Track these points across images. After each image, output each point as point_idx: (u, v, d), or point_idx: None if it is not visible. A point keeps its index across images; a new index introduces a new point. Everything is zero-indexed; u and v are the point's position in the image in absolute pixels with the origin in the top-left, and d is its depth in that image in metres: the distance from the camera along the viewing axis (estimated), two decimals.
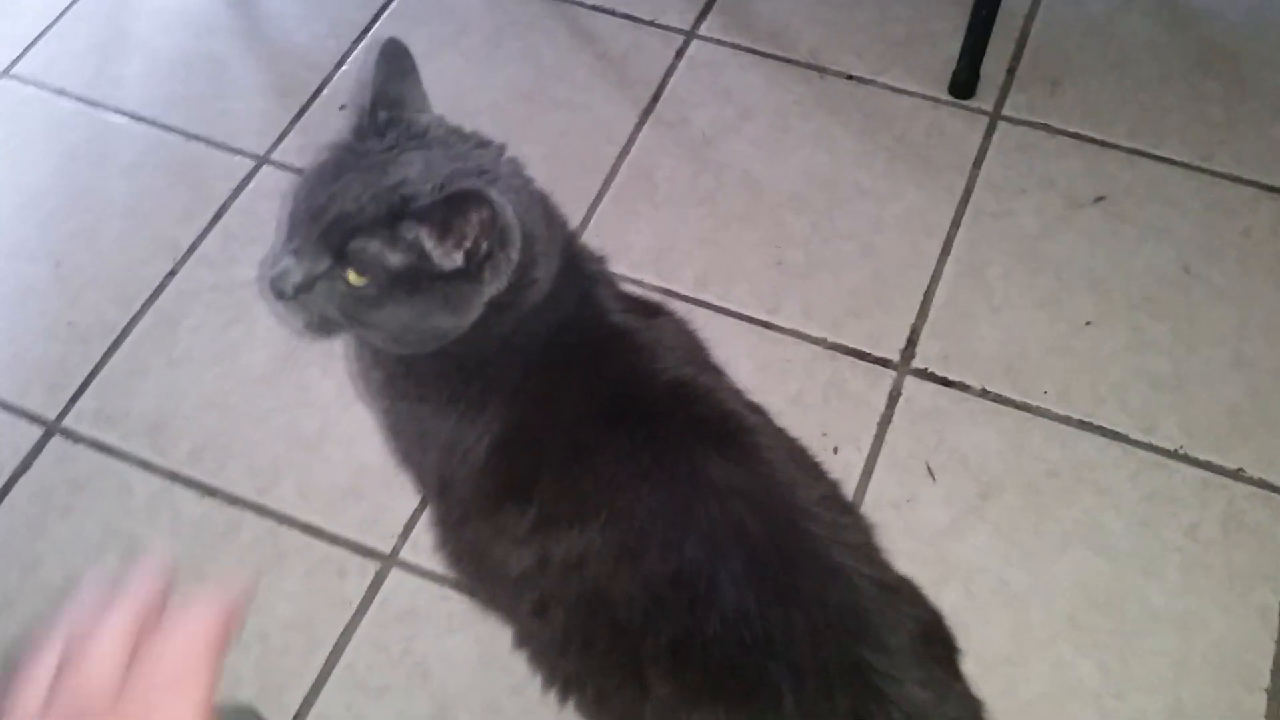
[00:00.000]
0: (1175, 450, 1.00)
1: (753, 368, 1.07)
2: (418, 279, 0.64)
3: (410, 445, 0.77)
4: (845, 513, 0.69)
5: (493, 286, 0.65)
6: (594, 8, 1.36)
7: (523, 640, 0.75)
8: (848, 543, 0.64)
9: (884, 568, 0.67)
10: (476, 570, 0.76)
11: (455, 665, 0.91)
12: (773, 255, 1.15)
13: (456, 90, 1.28)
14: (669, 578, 0.62)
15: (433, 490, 0.76)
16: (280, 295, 0.66)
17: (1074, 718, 0.86)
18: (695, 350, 0.74)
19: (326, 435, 1.04)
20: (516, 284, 0.66)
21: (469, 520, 0.71)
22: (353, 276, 0.64)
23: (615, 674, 0.65)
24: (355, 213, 0.63)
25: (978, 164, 1.22)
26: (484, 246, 0.63)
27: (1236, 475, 0.98)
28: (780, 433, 0.71)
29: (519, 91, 1.30)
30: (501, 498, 0.67)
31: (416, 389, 0.72)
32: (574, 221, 0.94)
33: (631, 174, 1.22)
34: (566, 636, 0.67)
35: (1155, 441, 1.00)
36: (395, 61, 0.68)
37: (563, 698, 0.72)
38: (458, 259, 0.63)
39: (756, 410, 0.71)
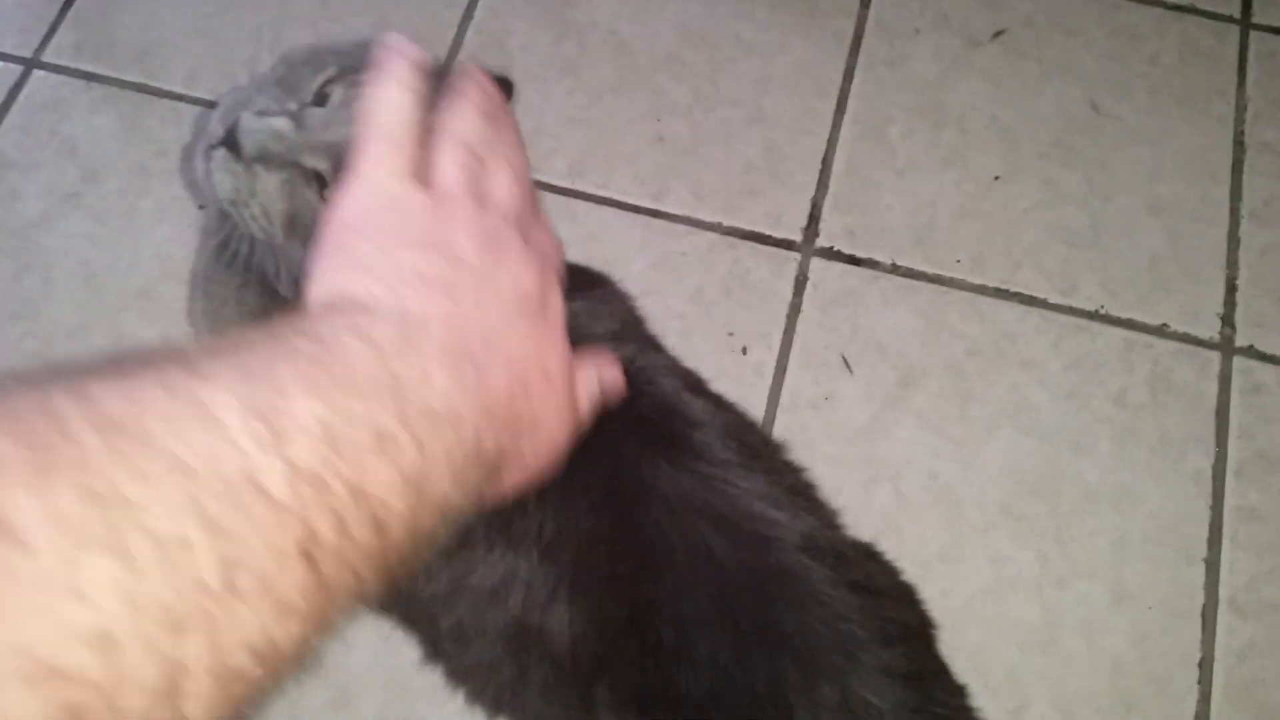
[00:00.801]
0: (1096, 311, 0.94)
1: (645, 264, 0.96)
2: None
3: None
4: (812, 506, 0.60)
5: None
6: None
7: (435, 657, 0.65)
8: (822, 548, 0.55)
9: (859, 564, 0.59)
10: None
11: (352, 646, 0.81)
12: (653, 130, 1.02)
13: None
14: (623, 621, 0.52)
15: None
16: (232, 144, 0.52)
17: (1016, 611, 0.82)
18: (630, 324, 0.64)
19: None
20: None
21: None
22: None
23: (561, 709, 0.56)
24: None
25: (865, 3, 1.09)
26: None
27: (1161, 331, 0.93)
28: (726, 412, 0.61)
29: None
30: None
31: None
32: None
33: (481, 44, 1.06)
34: (493, 665, 0.58)
35: (1075, 304, 0.94)
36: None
37: (494, 712, 0.63)
38: None
39: (697, 389, 0.61)
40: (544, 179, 0.99)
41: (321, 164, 0.52)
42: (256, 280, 0.61)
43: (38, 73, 1.02)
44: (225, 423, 0.25)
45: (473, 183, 0.38)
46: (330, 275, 0.35)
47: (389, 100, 0.38)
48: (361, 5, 1.08)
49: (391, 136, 0.37)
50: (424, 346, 0.32)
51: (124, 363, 0.26)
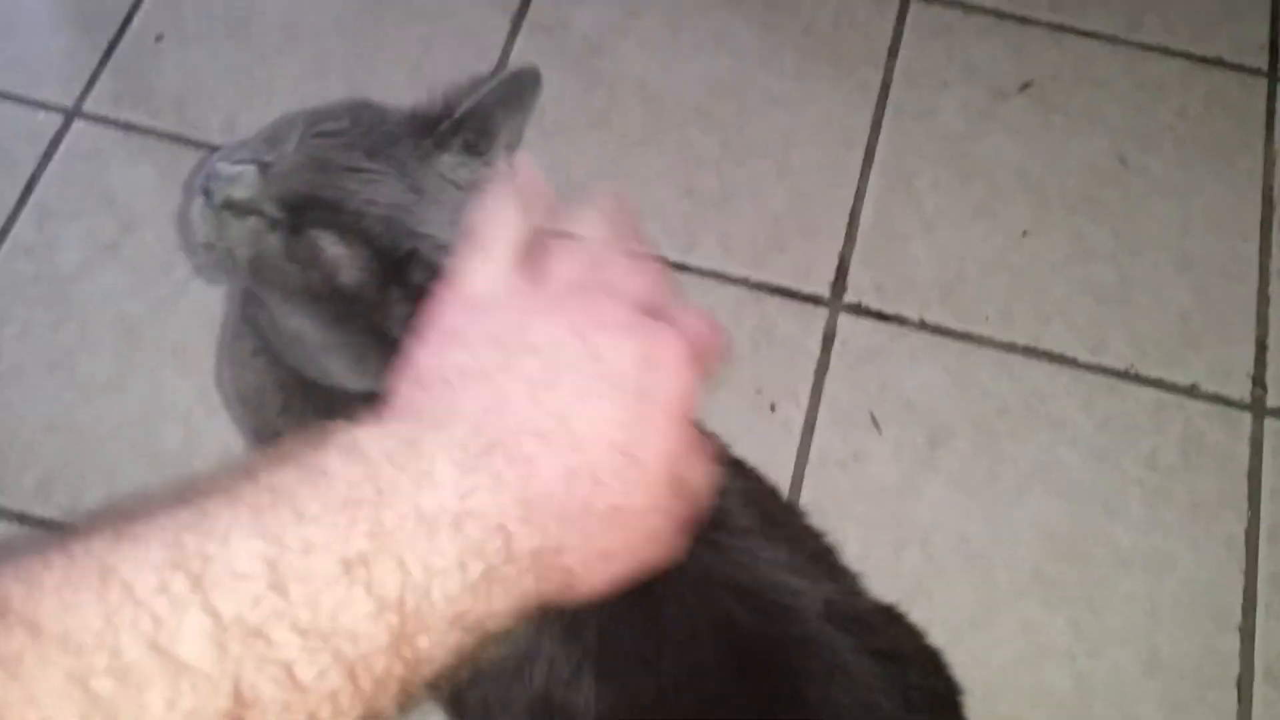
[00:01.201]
0: (1126, 370, 0.94)
1: None
2: (345, 313, 0.56)
3: None
4: (833, 573, 0.60)
5: None
6: None
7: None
8: (845, 615, 0.55)
9: (882, 630, 0.59)
10: None
11: None
12: (682, 183, 1.03)
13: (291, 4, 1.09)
14: (649, 698, 0.53)
15: None
16: (207, 192, 0.56)
17: (1049, 680, 0.82)
18: None
19: (193, 449, 0.91)
20: None
21: None
22: (290, 248, 0.56)
23: None
24: (353, 209, 0.55)
25: (893, 54, 1.10)
26: None
27: (1191, 392, 0.92)
28: (746, 478, 0.62)
29: (364, 1, 1.12)
30: None
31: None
32: None
33: None
34: None
35: (1105, 362, 0.94)
36: (518, 92, 0.59)
37: None
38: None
39: (718, 455, 0.61)
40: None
41: (280, 212, 0.55)
42: (266, 347, 0.63)
43: (78, 123, 1.04)
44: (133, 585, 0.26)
45: (584, 276, 0.38)
46: (396, 388, 0.36)
47: (497, 215, 0.39)
48: (394, 55, 1.09)
49: (488, 248, 0.38)
50: (427, 449, 0.31)
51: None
